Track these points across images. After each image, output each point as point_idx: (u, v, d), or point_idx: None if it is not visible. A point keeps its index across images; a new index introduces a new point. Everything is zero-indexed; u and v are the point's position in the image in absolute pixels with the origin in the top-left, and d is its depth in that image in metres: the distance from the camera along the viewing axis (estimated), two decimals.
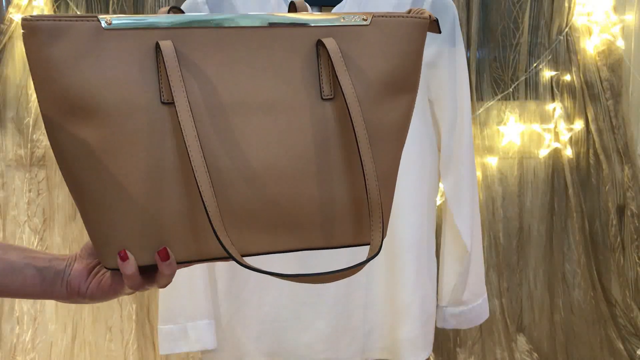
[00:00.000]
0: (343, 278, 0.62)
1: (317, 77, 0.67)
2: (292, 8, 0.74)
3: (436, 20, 0.69)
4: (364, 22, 0.67)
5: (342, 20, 0.67)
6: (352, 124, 0.64)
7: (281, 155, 0.65)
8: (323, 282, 0.62)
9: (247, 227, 0.65)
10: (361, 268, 0.62)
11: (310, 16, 0.67)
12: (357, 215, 0.69)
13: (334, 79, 0.67)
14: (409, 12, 0.70)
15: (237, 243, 0.65)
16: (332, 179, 0.67)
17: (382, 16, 0.68)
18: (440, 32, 0.71)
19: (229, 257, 0.60)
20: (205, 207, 0.59)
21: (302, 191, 0.66)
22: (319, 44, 0.66)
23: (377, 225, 0.65)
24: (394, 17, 0.68)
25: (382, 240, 0.64)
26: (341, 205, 0.68)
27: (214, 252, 0.66)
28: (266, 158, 0.64)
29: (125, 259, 0.63)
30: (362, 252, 1.12)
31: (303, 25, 0.66)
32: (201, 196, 0.59)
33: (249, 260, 0.63)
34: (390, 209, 0.72)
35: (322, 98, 0.67)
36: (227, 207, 0.64)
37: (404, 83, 0.69)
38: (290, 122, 0.65)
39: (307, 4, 0.74)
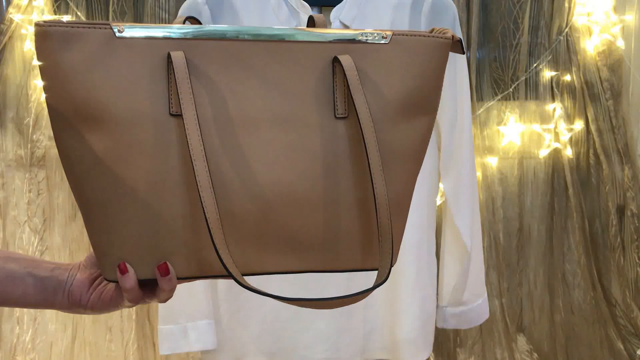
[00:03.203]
0: (347, 304, 0.59)
1: (331, 95, 0.64)
2: (311, 23, 0.71)
3: (460, 41, 0.67)
4: (383, 40, 0.65)
5: (360, 37, 0.65)
6: (365, 145, 0.62)
7: (289, 172, 0.63)
8: (326, 308, 0.60)
9: (250, 246, 0.63)
10: (367, 295, 0.59)
11: (328, 32, 0.65)
12: (366, 240, 0.66)
13: (348, 97, 0.64)
14: (432, 31, 0.67)
15: (239, 261, 0.63)
16: (341, 201, 0.64)
17: (403, 34, 0.65)
18: (464, 53, 0.68)
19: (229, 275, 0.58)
20: (207, 223, 0.58)
21: (308, 211, 0.64)
22: (335, 60, 0.64)
23: (387, 252, 0.62)
24: (415, 35, 0.65)
25: (391, 267, 0.62)
26: (349, 228, 0.65)
27: (215, 270, 0.64)
28: (274, 175, 0.62)
29: (124, 272, 0.62)
30: (360, 274, 1.11)
31: (320, 40, 0.64)
32: (204, 211, 0.58)
33: (250, 279, 0.61)
34: (402, 234, 0.69)
35: (335, 116, 0.64)
36: (231, 223, 0.62)
37: (423, 104, 0.66)
38: (301, 140, 0.63)
39: (324, 17, 0.72)
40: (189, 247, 0.63)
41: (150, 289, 0.65)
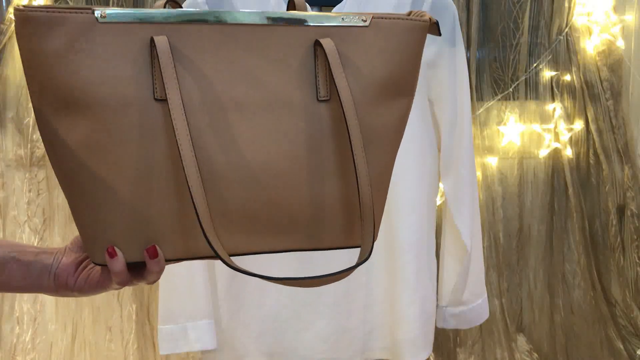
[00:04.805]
0: (332, 282, 0.61)
1: (313, 78, 0.66)
2: (291, 6, 0.73)
3: (436, 23, 0.68)
4: (363, 23, 0.66)
5: (341, 20, 0.66)
6: (347, 127, 0.63)
7: (274, 155, 0.64)
8: (311, 286, 0.61)
9: (237, 227, 0.64)
10: (350, 272, 0.61)
11: (309, 15, 0.66)
12: (349, 218, 0.68)
13: (330, 80, 0.66)
14: (409, 14, 0.68)
15: (226, 242, 0.64)
16: (325, 181, 0.66)
17: (382, 17, 0.67)
18: (440, 35, 0.70)
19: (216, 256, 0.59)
20: (194, 205, 0.58)
21: (293, 191, 0.65)
22: (317, 44, 0.65)
23: (369, 230, 0.63)
24: (394, 18, 0.67)
25: (373, 244, 0.64)
26: (332, 207, 0.67)
27: (203, 251, 0.65)
28: (259, 157, 0.64)
29: (113, 256, 0.62)
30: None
31: (301, 24, 0.65)
32: (190, 193, 0.58)
33: (237, 260, 0.62)
34: (382, 212, 0.71)
35: (317, 99, 0.66)
36: (218, 205, 0.63)
37: (401, 86, 0.68)
38: (285, 122, 0.64)
39: (306, 4, 0.73)
40: (177, 230, 0.64)
41: (138, 271, 0.65)
